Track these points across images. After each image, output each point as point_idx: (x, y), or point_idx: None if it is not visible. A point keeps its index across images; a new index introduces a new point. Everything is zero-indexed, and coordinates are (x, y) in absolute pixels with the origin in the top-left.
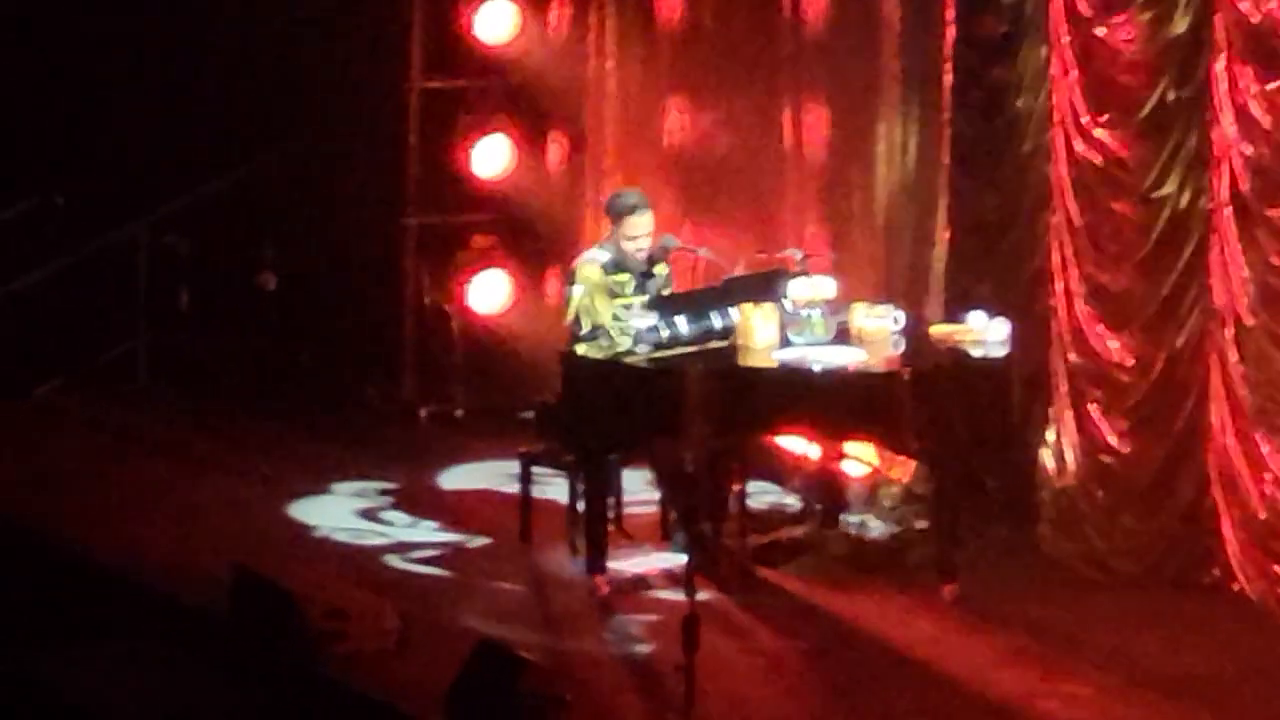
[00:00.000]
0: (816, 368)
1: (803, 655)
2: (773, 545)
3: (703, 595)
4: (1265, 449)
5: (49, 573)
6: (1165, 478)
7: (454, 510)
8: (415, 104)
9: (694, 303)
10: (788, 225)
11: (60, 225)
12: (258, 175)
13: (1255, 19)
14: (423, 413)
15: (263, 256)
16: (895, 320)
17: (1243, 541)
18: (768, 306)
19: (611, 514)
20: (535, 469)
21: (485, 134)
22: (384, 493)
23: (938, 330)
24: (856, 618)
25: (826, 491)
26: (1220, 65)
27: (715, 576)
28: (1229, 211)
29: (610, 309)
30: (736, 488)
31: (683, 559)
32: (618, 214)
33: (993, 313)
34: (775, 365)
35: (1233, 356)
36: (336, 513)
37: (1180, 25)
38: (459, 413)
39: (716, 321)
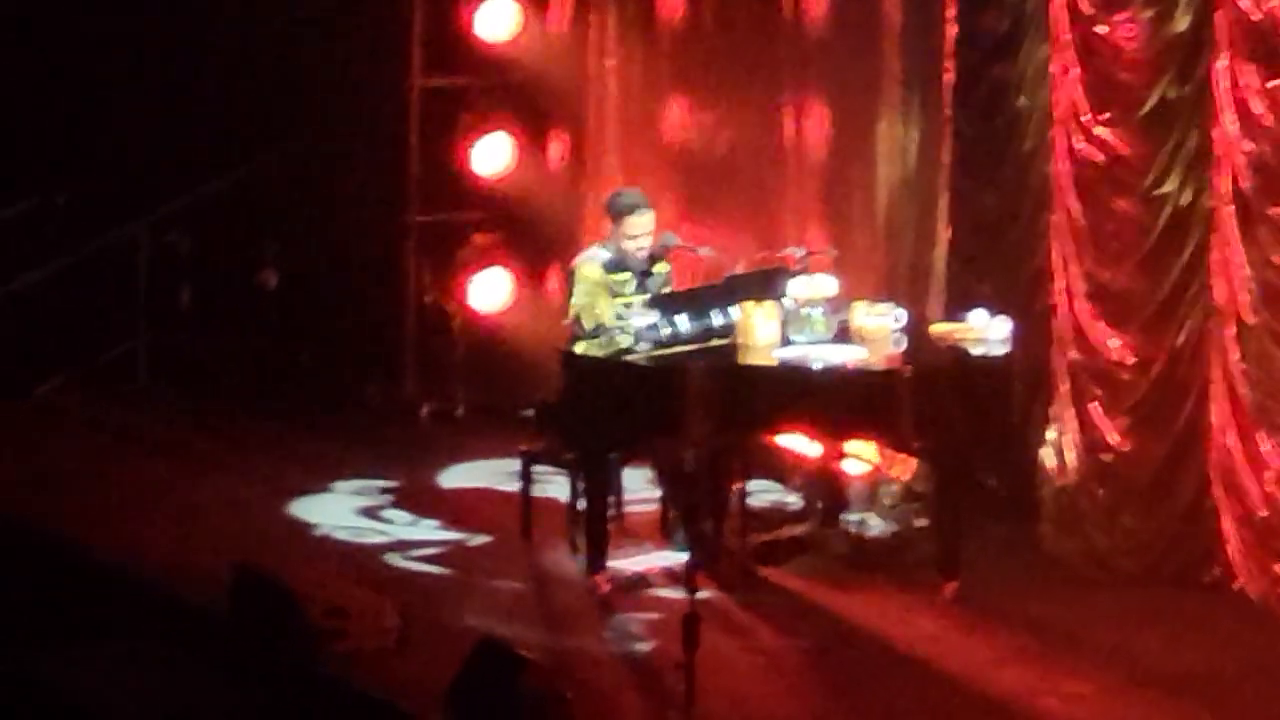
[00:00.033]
0: (817, 366)
1: (803, 653)
2: (773, 544)
3: (703, 593)
4: (1266, 447)
5: (49, 573)
6: (1166, 476)
7: (454, 508)
8: (416, 103)
9: (695, 301)
10: (788, 224)
11: (60, 225)
12: (258, 175)
13: (1256, 17)
14: (423, 411)
15: (264, 254)
16: (896, 319)
17: (1243, 540)
18: (768, 305)
19: (612, 512)
20: (536, 467)
21: (486, 132)
22: (384, 491)
23: (938, 329)
24: (857, 616)
25: (827, 490)
26: (1221, 63)
27: (716, 575)
28: (1230, 210)
29: (611, 308)
30: (737, 486)
31: (683, 557)
32: (618, 213)
33: (993, 311)
34: (776, 364)
35: (1234, 355)
36: (337, 511)
37: (1181, 23)
38: (460, 411)
39: (717, 320)
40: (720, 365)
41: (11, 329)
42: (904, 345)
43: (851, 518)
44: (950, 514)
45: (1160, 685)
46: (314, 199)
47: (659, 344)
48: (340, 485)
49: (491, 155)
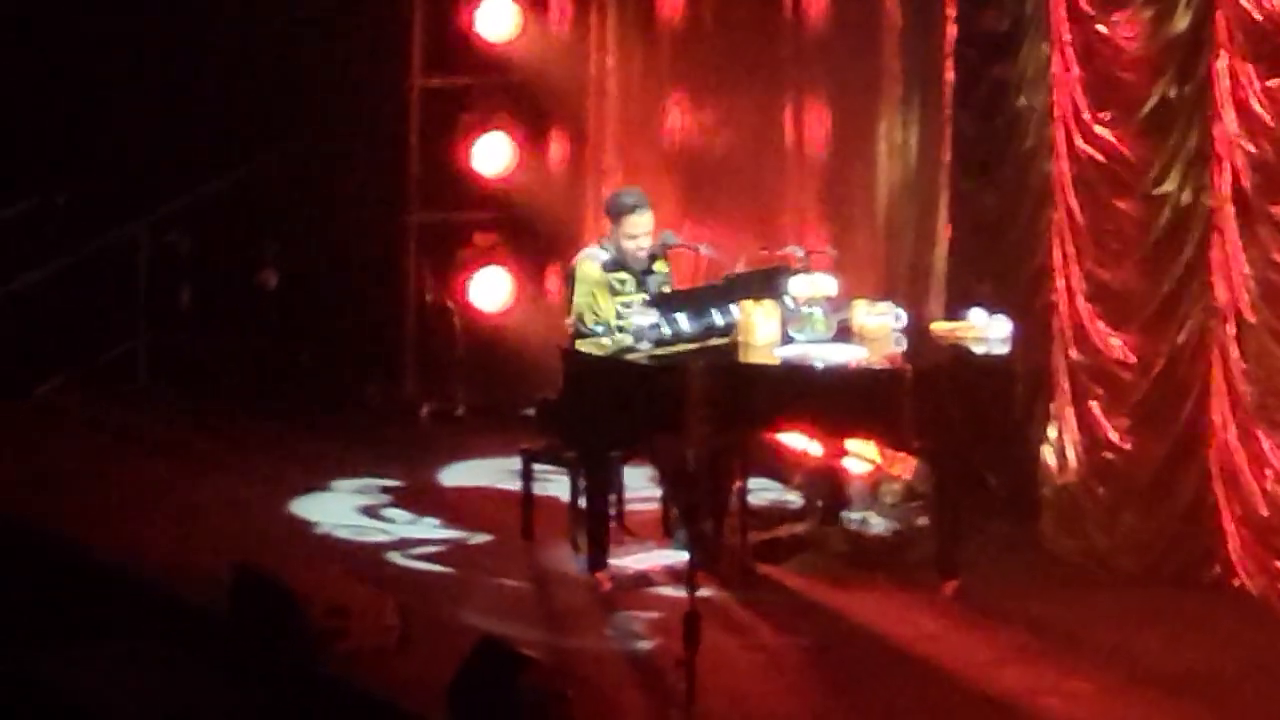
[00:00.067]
0: (818, 365)
1: (803, 652)
2: (774, 542)
3: (704, 592)
4: (1266, 445)
5: (49, 573)
6: (1166, 475)
7: (455, 507)
8: (416, 102)
9: (695, 300)
10: (788, 223)
11: (60, 225)
12: (258, 175)
13: (1256, 16)
14: (424, 410)
15: (264, 254)
16: (896, 318)
17: (1244, 538)
18: (769, 304)
19: (613, 511)
20: (536, 466)
21: (486, 132)
22: (385, 490)
23: (939, 328)
24: (857, 614)
25: (827, 488)
26: (1222, 62)
27: (716, 573)
28: (1230, 208)
29: (611, 306)
30: (738, 485)
31: (684, 556)
32: (618, 213)
33: (994, 310)
34: (776, 362)
35: (1234, 353)
36: (338, 510)
37: (1182, 22)
38: (460, 410)
39: (718, 319)
40: (721, 364)
41: (11, 329)
42: (904, 344)
43: (852, 516)
44: (950, 513)
45: (1161, 684)
46: (314, 199)
47: (659, 343)
48: (341, 484)
49: (491, 155)
